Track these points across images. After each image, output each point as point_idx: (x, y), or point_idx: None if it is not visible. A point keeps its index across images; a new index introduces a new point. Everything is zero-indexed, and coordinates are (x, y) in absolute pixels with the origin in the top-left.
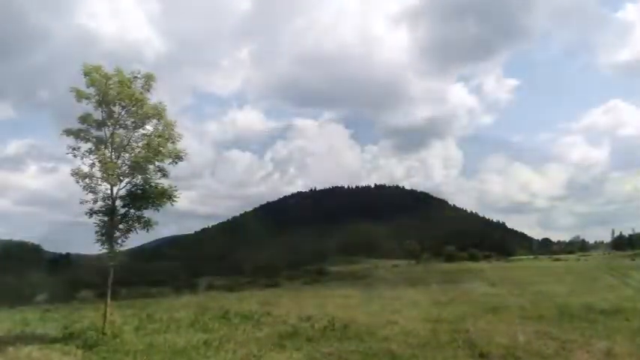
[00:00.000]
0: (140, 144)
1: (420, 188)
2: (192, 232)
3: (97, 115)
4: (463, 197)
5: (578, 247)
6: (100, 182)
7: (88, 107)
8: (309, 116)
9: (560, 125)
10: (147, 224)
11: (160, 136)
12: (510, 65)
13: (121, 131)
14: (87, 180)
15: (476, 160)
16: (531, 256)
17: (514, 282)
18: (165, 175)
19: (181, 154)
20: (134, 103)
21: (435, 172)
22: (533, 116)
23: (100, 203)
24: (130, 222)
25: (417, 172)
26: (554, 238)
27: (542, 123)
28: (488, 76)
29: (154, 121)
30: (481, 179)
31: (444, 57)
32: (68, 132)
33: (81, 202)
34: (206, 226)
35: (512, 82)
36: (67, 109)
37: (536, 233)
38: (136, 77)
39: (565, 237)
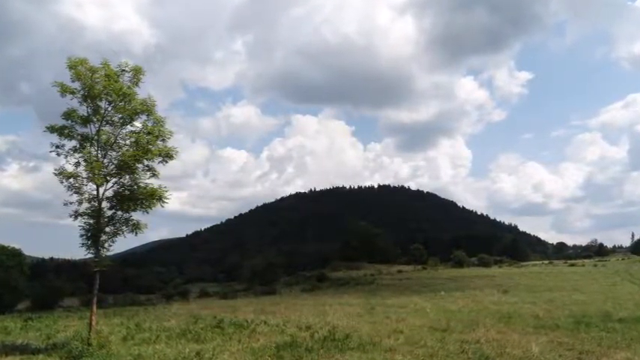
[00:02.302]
0: (128, 142)
1: (426, 189)
2: (184, 235)
3: (82, 110)
4: (473, 198)
5: (595, 251)
6: (85, 182)
7: (72, 103)
8: (309, 112)
9: (576, 122)
10: (135, 227)
11: (149, 134)
12: (523, 57)
13: (107, 128)
14: (71, 180)
15: (486, 159)
16: (545, 261)
17: (527, 289)
18: (154, 174)
19: (172, 152)
20: (121, 98)
21: (443, 171)
22: (547, 112)
23: (85, 205)
24: (118, 225)
25: (424, 172)
26: (570, 242)
27: (557, 119)
28: (500, 69)
29: (143, 117)
30: (492, 179)
31: (452, 49)
32: (51, 129)
33: (65, 204)
34: (198, 229)
35: (525, 76)
36: (51, 105)
37: (551, 237)
38: (123, 71)
39: (581, 241)
